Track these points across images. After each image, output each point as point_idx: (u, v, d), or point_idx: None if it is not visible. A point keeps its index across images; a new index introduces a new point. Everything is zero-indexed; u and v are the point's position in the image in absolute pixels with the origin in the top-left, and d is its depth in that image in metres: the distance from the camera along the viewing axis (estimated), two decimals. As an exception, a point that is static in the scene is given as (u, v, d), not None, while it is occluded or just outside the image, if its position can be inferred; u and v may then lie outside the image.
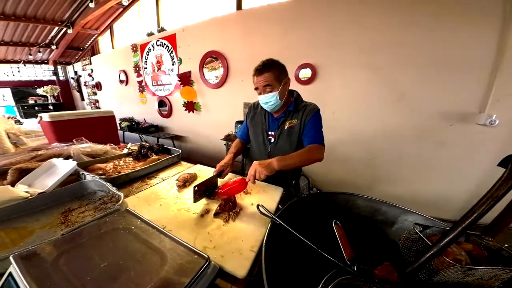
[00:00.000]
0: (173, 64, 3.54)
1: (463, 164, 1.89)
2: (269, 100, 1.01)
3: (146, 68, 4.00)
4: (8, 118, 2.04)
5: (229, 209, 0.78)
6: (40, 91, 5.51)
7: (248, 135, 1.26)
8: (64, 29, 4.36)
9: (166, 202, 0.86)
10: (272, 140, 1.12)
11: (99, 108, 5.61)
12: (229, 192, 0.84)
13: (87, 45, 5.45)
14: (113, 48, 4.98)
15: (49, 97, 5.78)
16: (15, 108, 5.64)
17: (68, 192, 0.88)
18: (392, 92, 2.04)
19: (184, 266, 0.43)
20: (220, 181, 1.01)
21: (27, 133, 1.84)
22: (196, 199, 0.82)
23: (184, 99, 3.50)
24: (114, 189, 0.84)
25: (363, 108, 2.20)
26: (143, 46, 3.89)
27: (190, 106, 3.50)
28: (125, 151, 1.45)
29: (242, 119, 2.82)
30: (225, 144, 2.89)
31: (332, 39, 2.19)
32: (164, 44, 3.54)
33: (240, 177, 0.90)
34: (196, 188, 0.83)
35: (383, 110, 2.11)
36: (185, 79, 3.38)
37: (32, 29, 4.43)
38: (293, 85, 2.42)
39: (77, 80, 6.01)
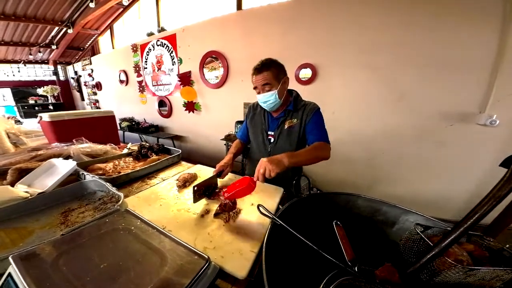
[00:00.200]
0: (173, 64, 3.54)
1: (463, 164, 1.89)
2: (268, 99, 1.01)
3: (146, 68, 4.00)
4: (8, 118, 2.04)
5: (229, 209, 0.78)
6: (40, 91, 5.51)
7: (248, 136, 1.26)
8: (64, 29, 4.36)
9: (166, 202, 0.85)
10: (272, 140, 1.12)
11: (99, 108, 5.61)
12: (237, 195, 0.75)
13: (87, 45, 5.45)
14: (113, 48, 4.99)
15: (49, 97, 5.79)
16: (15, 108, 5.64)
17: (68, 192, 0.88)
18: (392, 92, 2.04)
19: (184, 266, 0.43)
20: (220, 182, 1.01)
21: (27, 133, 1.84)
22: (196, 199, 0.82)
23: (184, 99, 3.50)
24: (114, 189, 0.84)
25: (363, 108, 2.20)
26: (143, 46, 3.89)
27: (190, 106, 3.50)
28: (125, 151, 1.45)
29: (242, 119, 2.82)
30: (225, 144, 2.89)
31: (332, 39, 2.20)
32: (164, 44, 3.54)
33: (243, 177, 0.80)
34: (195, 188, 0.82)
35: (383, 110, 2.11)
36: (185, 79, 3.38)
37: (32, 29, 4.43)
38: (294, 85, 2.42)
39: (77, 80, 6.01)
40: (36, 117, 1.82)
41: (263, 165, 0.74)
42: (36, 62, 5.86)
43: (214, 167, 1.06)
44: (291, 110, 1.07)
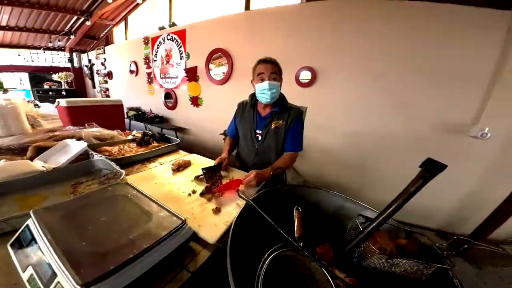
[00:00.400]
0: (181, 59, 3.67)
1: (452, 175, 1.94)
2: (274, 87, 1.09)
3: (155, 60, 4.15)
4: (28, 101, 2.22)
5: (215, 184, 0.94)
6: (55, 77, 5.76)
7: (236, 132, 1.36)
8: (82, 18, 4.56)
9: (160, 182, 0.99)
10: (260, 138, 1.23)
11: (109, 96, 5.83)
12: (224, 187, 0.93)
13: (102, 35, 5.65)
14: (126, 39, 5.16)
15: (62, 83, 6.04)
16: (31, 92, 5.92)
17: (78, 168, 1.01)
18: (390, 100, 2.09)
19: (164, 223, 0.55)
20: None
21: (43, 116, 2.01)
22: (206, 180, 0.99)
23: (191, 93, 3.64)
24: (117, 167, 0.98)
25: (360, 114, 2.26)
26: (154, 39, 4.03)
27: (195, 101, 3.64)
28: (130, 137, 1.58)
29: (242, 115, 2.91)
30: (223, 139, 3.00)
31: (335, 44, 2.25)
32: (174, 38, 3.67)
33: (237, 179, 1.00)
34: (204, 171, 1.01)
35: (380, 117, 2.16)
36: (192, 74, 3.51)
37: (53, 17, 4.66)
38: (293, 87, 2.51)
39: (90, 68, 6.25)
40: (49, 101, 1.98)
41: (252, 177, 0.96)
42: (54, 49, 6.12)
43: (213, 158, 1.25)
44: (278, 111, 1.17)
